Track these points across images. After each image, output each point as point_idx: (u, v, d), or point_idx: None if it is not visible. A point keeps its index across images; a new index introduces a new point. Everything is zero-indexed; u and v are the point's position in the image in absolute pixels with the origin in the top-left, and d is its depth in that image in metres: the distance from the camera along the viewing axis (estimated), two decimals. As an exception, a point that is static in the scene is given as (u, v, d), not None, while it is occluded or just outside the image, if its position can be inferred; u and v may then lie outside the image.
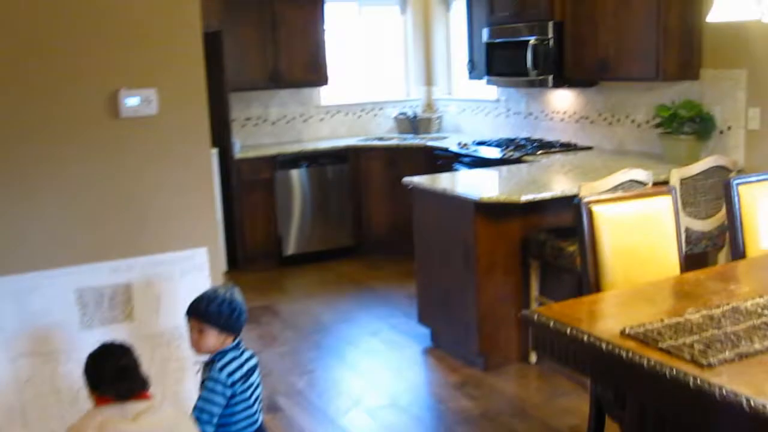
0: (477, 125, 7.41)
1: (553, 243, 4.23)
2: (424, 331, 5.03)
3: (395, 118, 7.57)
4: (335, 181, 7.02)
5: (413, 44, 7.95)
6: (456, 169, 6.30)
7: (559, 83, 5.75)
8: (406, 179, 4.84)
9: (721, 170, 4.45)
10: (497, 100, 7.07)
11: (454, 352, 4.75)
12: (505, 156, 5.71)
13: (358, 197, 7.11)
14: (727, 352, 2.26)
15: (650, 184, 4.18)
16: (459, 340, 4.67)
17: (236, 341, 2.83)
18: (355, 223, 7.14)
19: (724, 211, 4.38)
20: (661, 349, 2.30)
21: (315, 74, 7.18)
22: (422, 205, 4.81)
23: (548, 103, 6.47)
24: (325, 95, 7.64)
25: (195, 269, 3.40)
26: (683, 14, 4.96)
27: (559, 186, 4.43)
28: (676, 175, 4.28)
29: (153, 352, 3.35)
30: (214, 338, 2.78)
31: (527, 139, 6.43)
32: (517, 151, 5.78)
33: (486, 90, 7.13)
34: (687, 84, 5.15)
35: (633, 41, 5.07)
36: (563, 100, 6.29)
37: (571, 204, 4.31)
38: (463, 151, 6.21)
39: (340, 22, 7.77)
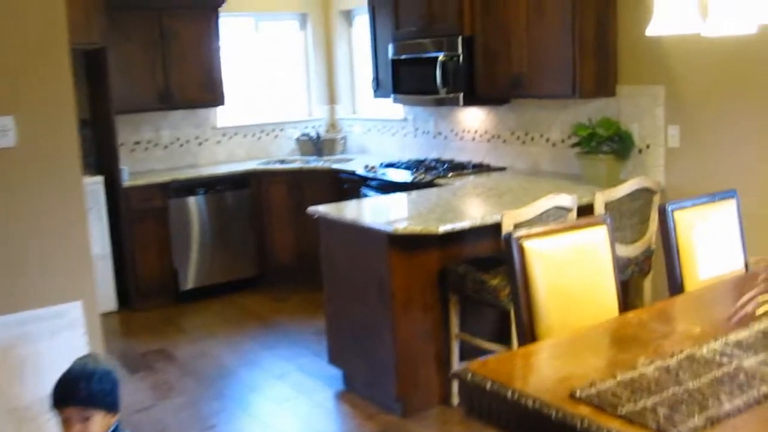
0: (384, 146, 7.06)
1: (474, 276, 3.90)
2: (336, 373, 4.61)
3: (297, 139, 7.16)
4: (235, 208, 6.54)
5: (314, 61, 7.56)
6: (363, 194, 5.93)
7: (470, 101, 5.46)
8: (311, 209, 4.42)
9: (646, 192, 4.22)
10: (404, 120, 6.74)
11: (369, 395, 4.35)
12: (416, 179, 5.37)
13: (260, 224, 6.64)
14: (696, 417, 1.94)
15: (575, 210, 3.90)
16: (374, 382, 4.27)
17: (118, 421, 2.36)
18: (258, 252, 6.67)
19: (648, 234, 4.16)
20: (621, 416, 1.97)
21: (210, 94, 6.69)
22: (330, 235, 4.40)
23: (458, 122, 6.18)
24: (222, 116, 7.15)
25: (67, 327, 2.90)
26: (598, 28, 4.74)
27: (478, 212, 4.10)
28: (600, 199, 4.01)
29: (19, 430, 2.82)
30: (100, 424, 2.29)
31: (437, 160, 6.12)
32: (428, 173, 5.45)
33: (393, 109, 6.80)
34: (603, 101, 4.94)
35: (548, 56, 4.82)
36: (474, 118, 6.02)
37: (491, 232, 4.03)
38: (371, 174, 5.84)
39: (237, 38, 7.31)
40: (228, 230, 6.52)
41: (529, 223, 3.64)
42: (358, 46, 7.47)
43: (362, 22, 7.29)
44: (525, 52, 4.97)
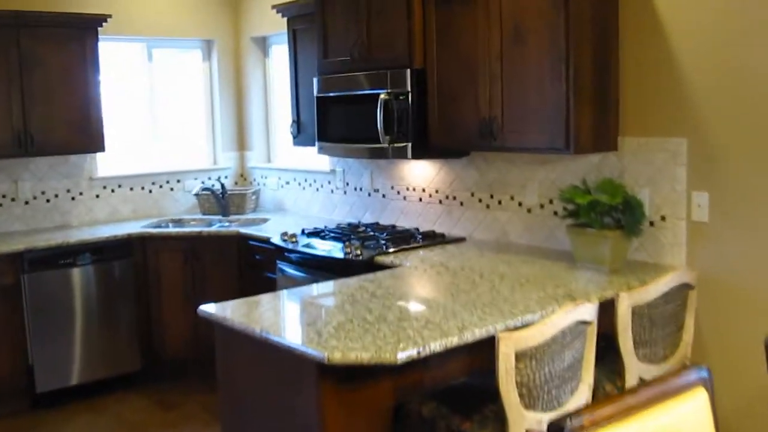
0: (305, 203, 5.72)
1: (448, 422, 2.57)
2: None
3: (197, 194, 5.74)
4: (113, 284, 5.06)
5: (221, 98, 6.19)
6: (280, 270, 4.56)
7: (421, 153, 4.19)
8: (201, 309, 3.04)
9: (684, 289, 3.00)
10: (332, 172, 5.42)
11: None
12: (350, 256, 4.04)
13: (145, 304, 5.18)
14: None
15: (595, 323, 2.64)
16: None
17: None
18: (143, 341, 5.19)
19: (683, 347, 2.93)
20: None
21: (85, 137, 5.25)
22: (231, 351, 3.02)
23: (401, 178, 4.90)
24: (102, 165, 5.70)
25: None
26: (597, 59, 3.55)
27: (450, 321, 2.78)
28: (626, 304, 2.76)
29: None
30: None
31: (375, 226, 4.82)
32: (365, 247, 4.13)
33: (318, 158, 5.48)
34: (599, 156, 3.74)
35: (529, 97, 3.60)
36: (422, 173, 4.75)
37: (465, 347, 2.73)
38: (290, 246, 4.48)
39: (123, 68, 5.89)
40: (103, 313, 5.04)
41: (539, 350, 2.36)
42: (275, 80, 6.14)
43: (280, 51, 5.99)
44: (497, 91, 3.73)
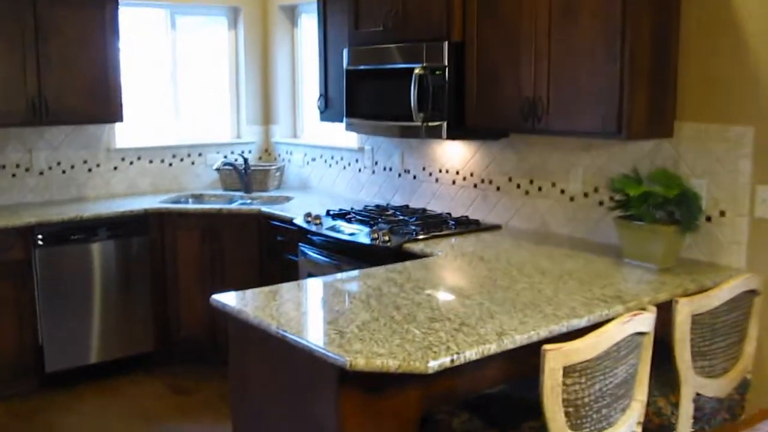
0: (331, 182, 5.45)
1: (482, 438, 2.30)
2: None
3: (218, 169, 5.48)
4: (127, 262, 4.83)
5: (246, 69, 5.91)
6: (302, 253, 4.30)
7: (456, 133, 3.88)
8: (215, 298, 2.78)
9: (750, 295, 2.68)
10: (360, 150, 5.14)
11: None
12: (377, 242, 3.76)
13: (161, 284, 4.95)
14: None
15: (652, 333, 2.34)
16: None
17: None
18: (158, 322, 4.97)
19: (744, 359, 2.63)
20: None
21: (103, 106, 5.00)
22: (245, 346, 2.76)
23: (434, 159, 4.60)
24: (121, 136, 5.46)
25: None
26: (656, 37, 3.22)
27: (487, 324, 2.50)
28: (685, 312, 2.46)
29: None
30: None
31: (404, 210, 4.53)
32: (393, 232, 3.84)
33: (346, 135, 5.19)
34: (652, 143, 3.42)
35: (581, 77, 3.27)
36: (456, 155, 4.45)
37: (502, 353, 2.46)
38: (313, 228, 4.21)
39: (144, 36, 5.63)
40: (118, 291, 4.81)
41: (590, 365, 2.07)
42: (303, 51, 5.85)
43: (310, 21, 5.69)
44: (543, 69, 3.41)
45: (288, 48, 5.87)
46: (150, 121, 5.68)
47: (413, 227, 3.94)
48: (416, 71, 3.84)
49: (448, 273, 3.16)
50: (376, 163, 5.02)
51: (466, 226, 4.05)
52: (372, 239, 3.80)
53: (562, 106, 3.37)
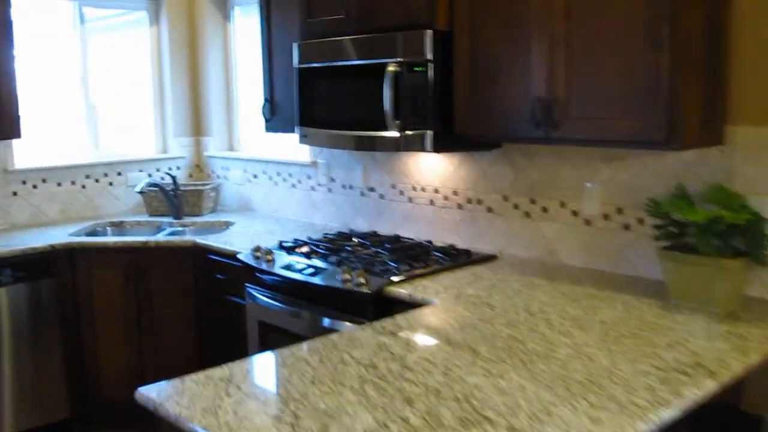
0: (277, 203, 4.62)
1: None
2: None
3: (142, 192, 4.57)
4: (38, 309, 3.91)
5: (172, 72, 5.02)
6: (251, 296, 3.48)
7: (443, 144, 3.10)
8: (140, 392, 1.94)
9: None
10: (312, 164, 4.33)
11: None
12: (349, 286, 2.96)
13: (74, 336, 4.04)
14: None
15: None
16: None
17: None
18: (72, 381, 4.05)
19: None
20: None
21: (-5, 119, 4.07)
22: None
23: (405, 174, 3.83)
24: (20, 155, 4.52)
25: None
26: (707, 21, 2.51)
27: (547, 427, 1.74)
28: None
29: None
30: None
31: (372, 238, 3.75)
32: (371, 272, 3.05)
33: (294, 147, 4.39)
34: (690, 153, 2.72)
35: (614, 71, 2.54)
36: (433, 168, 3.68)
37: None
38: (264, 266, 3.38)
39: (46, 35, 4.70)
40: (27, 346, 3.89)
41: None
42: (238, 49, 5.01)
43: (246, 12, 4.85)
44: (561, 62, 2.67)
45: (220, 46, 5.02)
46: (56, 137, 4.75)
47: (391, 262, 3.16)
48: (390, 68, 3.06)
49: (456, 333, 2.39)
50: (333, 179, 4.22)
51: (455, 258, 3.29)
52: (342, 281, 2.99)
53: (586, 108, 2.63)
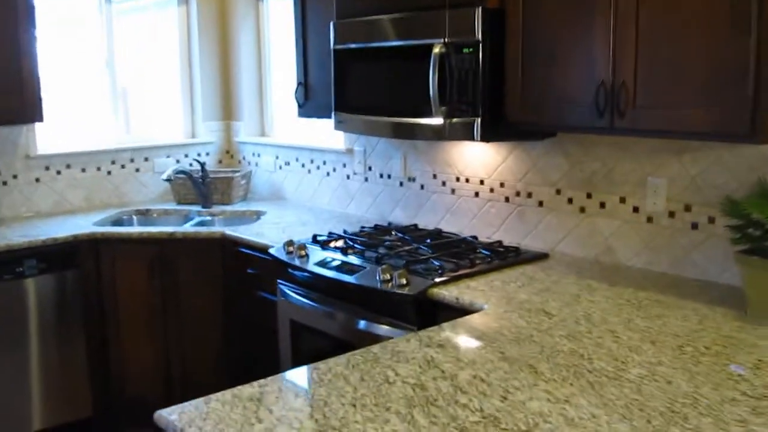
0: (311, 191, 4.39)
1: None
2: None
3: (169, 178, 4.35)
4: (54, 304, 3.73)
5: (201, 53, 4.80)
6: (282, 293, 3.26)
7: (493, 133, 2.84)
8: (159, 415, 1.73)
9: None
10: (348, 152, 4.09)
11: None
12: (389, 287, 2.72)
13: (98, 331, 3.86)
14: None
15: None
16: None
17: None
18: (96, 379, 3.87)
19: None
20: None
21: (16, 104, 3.86)
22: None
23: (449, 163, 3.57)
24: (43, 140, 4.33)
25: None
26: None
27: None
28: None
29: None
30: None
31: (412, 232, 3.51)
32: (412, 271, 2.82)
33: (328, 134, 4.15)
34: (747, 147, 2.45)
35: (690, 55, 2.26)
36: (480, 158, 3.43)
37: None
38: (297, 262, 3.16)
39: (69, 16, 4.50)
40: (54, 341, 3.71)
41: None
42: (272, 30, 4.77)
43: (279, -9, 4.62)
44: (629, 45, 2.40)
45: (252, 26, 4.78)
46: (81, 121, 4.56)
47: (434, 260, 2.91)
48: (435, 50, 2.81)
49: (512, 347, 2.14)
50: (370, 168, 3.98)
51: (504, 256, 3.03)
52: (382, 281, 2.76)
53: (656, 95, 2.36)
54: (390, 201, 3.88)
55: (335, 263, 3.03)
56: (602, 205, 2.98)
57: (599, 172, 2.97)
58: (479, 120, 2.77)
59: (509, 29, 2.74)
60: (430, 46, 2.83)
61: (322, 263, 3.06)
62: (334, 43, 3.34)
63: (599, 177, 2.98)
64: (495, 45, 2.76)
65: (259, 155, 4.75)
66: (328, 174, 4.24)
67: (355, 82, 3.28)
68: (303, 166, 4.41)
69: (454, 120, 2.83)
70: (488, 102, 2.77)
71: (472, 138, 2.81)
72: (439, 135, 2.89)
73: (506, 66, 2.76)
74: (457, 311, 2.53)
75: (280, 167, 4.59)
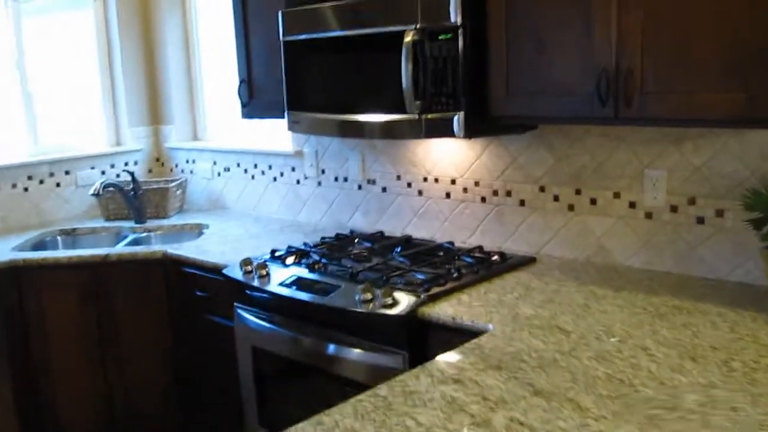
0: (255, 199, 4.02)
1: None
2: None
3: (97, 193, 3.89)
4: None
5: (123, 50, 4.35)
6: (241, 318, 2.91)
7: (477, 128, 2.54)
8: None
9: None
10: (297, 155, 3.74)
11: None
12: (372, 307, 2.40)
13: (25, 372, 3.40)
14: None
15: None
16: None
17: None
18: (26, 424, 3.42)
19: None
20: None
21: None
22: None
23: (413, 162, 3.27)
24: (-53, 154, 3.83)
25: None
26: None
27: None
28: None
29: None
30: None
31: (379, 240, 3.20)
32: (393, 285, 2.51)
33: (274, 135, 3.81)
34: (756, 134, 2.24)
35: (706, 33, 2.01)
36: (449, 155, 3.14)
37: None
38: (256, 283, 2.80)
39: (-29, 10, 4.00)
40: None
41: None
42: (202, 23, 4.37)
43: (207, -19, 4.21)
44: (634, 23, 2.14)
45: (179, 20, 4.37)
46: (-9, 132, 4.07)
47: (415, 273, 2.61)
48: (407, 38, 2.50)
49: (539, 377, 1.84)
50: (323, 171, 3.64)
51: (489, 263, 2.75)
52: (362, 301, 2.43)
53: (668, 80, 2.11)
54: (348, 206, 3.55)
55: (304, 282, 2.69)
56: (593, 201, 2.73)
57: (588, 166, 2.72)
58: (462, 114, 2.47)
59: (491, 12, 2.45)
60: (401, 34, 2.52)
61: (290, 283, 2.72)
62: (284, 34, 2.99)
63: (588, 171, 2.72)
64: (475, 30, 2.46)
65: (194, 161, 4.34)
66: (274, 179, 3.88)
67: (311, 78, 2.93)
68: (245, 171, 4.03)
69: (431, 115, 2.53)
70: (470, 94, 2.48)
71: (452, 134, 2.51)
72: (414, 132, 2.59)
73: (490, 53, 2.47)
74: (454, 332, 2.24)
75: (219, 174, 4.20)
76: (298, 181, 3.76)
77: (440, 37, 2.48)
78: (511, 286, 2.53)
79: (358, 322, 2.44)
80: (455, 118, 2.49)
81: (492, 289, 2.50)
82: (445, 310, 2.31)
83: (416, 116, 2.55)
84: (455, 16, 2.42)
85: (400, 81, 2.53)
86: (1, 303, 3.31)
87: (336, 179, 3.58)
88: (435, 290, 2.45)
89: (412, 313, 2.33)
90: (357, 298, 2.45)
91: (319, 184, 3.66)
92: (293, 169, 3.77)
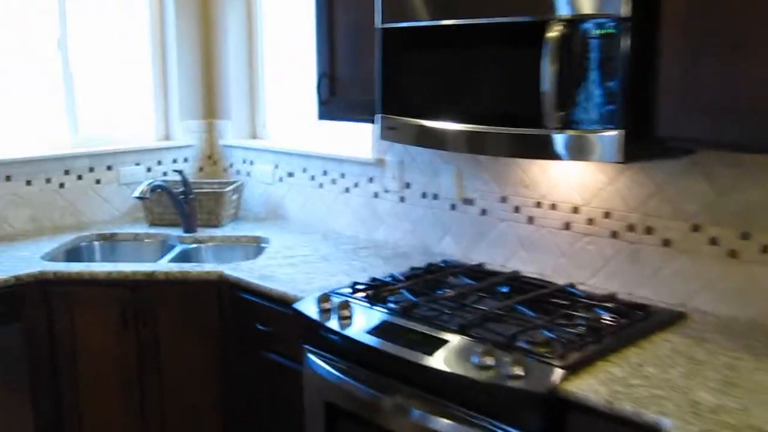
0: (323, 211, 3.50)
1: None
2: None
3: (143, 196, 3.38)
4: (3, 363, 2.79)
5: (179, 39, 3.85)
6: (310, 363, 2.40)
7: (638, 149, 1.98)
8: None
9: None
10: (378, 163, 3.20)
11: None
12: (491, 377, 1.86)
13: (51, 406, 2.91)
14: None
15: None
16: None
17: None
18: (48, 463, 2.94)
19: None
20: None
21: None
22: None
23: (523, 182, 2.72)
24: (-24, 142, 3.36)
25: None
26: None
27: None
28: None
29: None
30: None
31: (480, 273, 2.65)
32: (517, 347, 1.97)
33: (348, 137, 3.29)
34: None
35: None
36: (573, 178, 2.58)
37: None
38: (336, 326, 2.27)
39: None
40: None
41: None
42: (267, 8, 3.86)
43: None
44: None
45: (242, 3, 3.85)
46: (25, 121, 3.58)
47: (544, 330, 2.06)
48: (553, 32, 1.94)
49: None
50: (408, 185, 3.10)
51: (629, 317, 2.19)
52: (482, 367, 1.89)
53: None
54: (436, 228, 3.01)
55: (396, 330, 2.16)
56: (765, 249, 2.15)
57: (761, 204, 2.15)
58: (621, 133, 1.91)
59: (666, 3, 1.89)
60: (541, 25, 1.97)
61: (378, 330, 2.18)
62: (382, 21, 2.45)
63: (762, 210, 2.15)
64: (644, 24, 1.90)
65: (251, 162, 3.82)
66: (347, 190, 3.35)
67: (414, 75, 2.40)
68: (312, 178, 3.51)
69: (577, 132, 1.97)
70: (632, 108, 1.92)
71: (607, 158, 1.95)
72: (551, 152, 2.03)
73: (661, 57, 1.91)
74: (607, 420, 1.69)
75: (281, 179, 3.68)
76: (376, 194, 3.23)
77: (596, 32, 1.92)
78: (667, 355, 1.97)
79: (473, 393, 1.90)
80: (610, 136, 1.93)
81: (646, 359, 1.94)
82: (594, 388, 1.76)
83: (557, 131, 2.00)
84: (625, 6, 1.86)
85: (536, 86, 1.99)
86: (25, 323, 2.82)
87: (424, 195, 3.04)
88: (573, 356, 1.90)
89: (549, 393, 1.79)
90: (475, 362, 1.91)
91: (402, 199, 3.12)
92: (371, 180, 3.23)
